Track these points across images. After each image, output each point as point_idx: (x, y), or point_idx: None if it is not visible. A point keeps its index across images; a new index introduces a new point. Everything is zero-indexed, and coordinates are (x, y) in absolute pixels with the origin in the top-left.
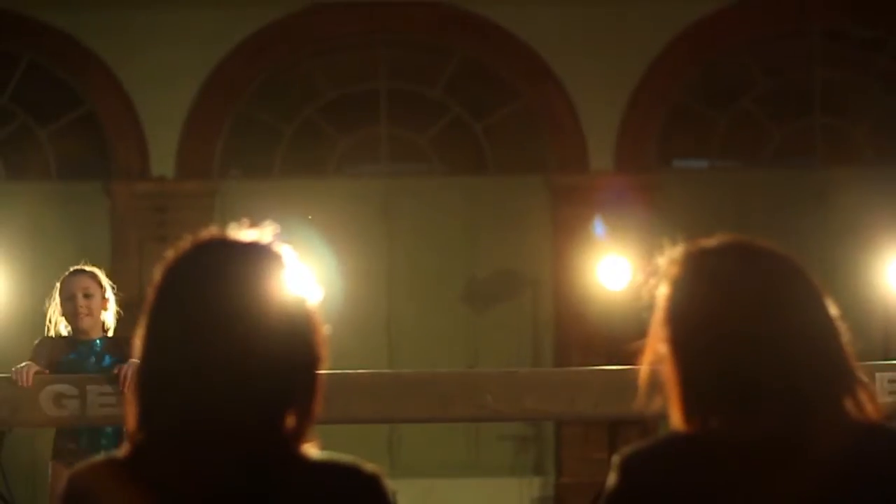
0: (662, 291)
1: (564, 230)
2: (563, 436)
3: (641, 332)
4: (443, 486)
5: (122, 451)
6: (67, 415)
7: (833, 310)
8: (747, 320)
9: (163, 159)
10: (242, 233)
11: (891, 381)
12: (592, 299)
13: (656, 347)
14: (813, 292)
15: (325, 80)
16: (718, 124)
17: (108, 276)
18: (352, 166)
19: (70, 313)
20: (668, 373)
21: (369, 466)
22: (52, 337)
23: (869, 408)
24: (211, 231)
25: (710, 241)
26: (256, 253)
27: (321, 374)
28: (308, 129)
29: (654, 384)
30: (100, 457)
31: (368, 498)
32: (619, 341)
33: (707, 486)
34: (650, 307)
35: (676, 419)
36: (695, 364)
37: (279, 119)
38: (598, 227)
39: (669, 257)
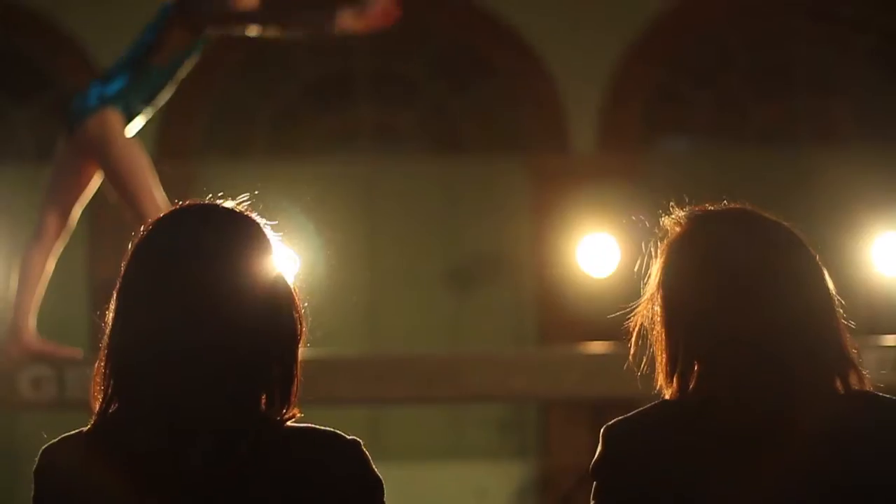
0: (660, 254)
1: (546, 211)
2: (547, 418)
3: (624, 314)
4: (426, 471)
5: (91, 425)
6: (45, 398)
7: (831, 284)
8: (743, 289)
9: (141, 142)
10: (217, 205)
11: (878, 361)
12: (574, 281)
13: (649, 311)
14: (813, 265)
15: (304, 60)
16: (702, 104)
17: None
18: (332, 147)
19: None
20: (658, 337)
21: (349, 434)
22: None
23: (860, 382)
24: (185, 203)
25: (713, 208)
26: (232, 225)
27: (300, 352)
28: (288, 111)
29: (641, 362)
30: (72, 432)
31: (350, 463)
32: (602, 323)
33: (690, 451)
34: (639, 284)
35: (664, 385)
36: (686, 330)
37: (259, 100)
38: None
39: (671, 220)
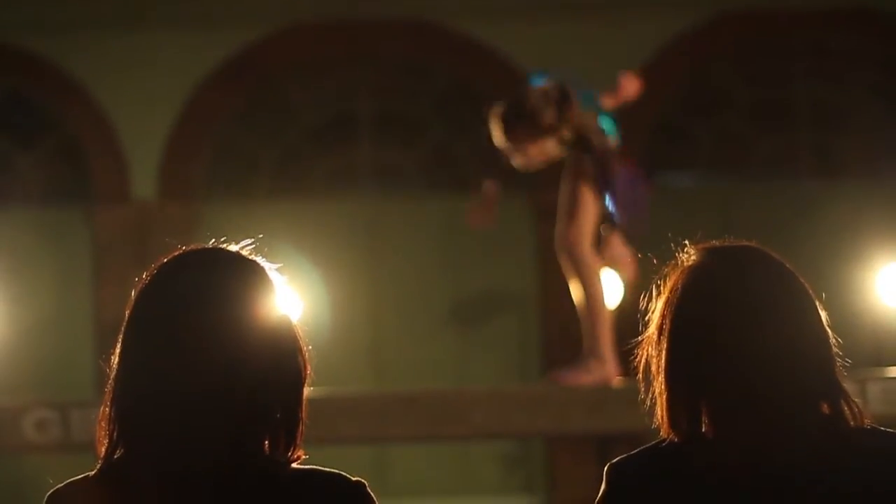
0: (660, 297)
1: (549, 247)
2: (553, 453)
3: (628, 349)
4: None
5: (97, 470)
6: (50, 440)
7: (826, 322)
8: (740, 330)
9: (144, 184)
10: (221, 248)
11: (883, 392)
12: (579, 317)
13: (649, 353)
14: (806, 302)
15: (306, 101)
16: (704, 139)
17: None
18: (335, 188)
19: None
20: (658, 378)
21: (354, 476)
22: None
23: (855, 415)
24: (188, 247)
25: (716, 244)
26: (236, 270)
27: (306, 393)
28: (291, 152)
29: (644, 397)
30: (78, 477)
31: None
32: None
33: (690, 490)
34: (644, 320)
35: (664, 426)
36: (684, 371)
37: (261, 141)
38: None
39: (669, 265)
